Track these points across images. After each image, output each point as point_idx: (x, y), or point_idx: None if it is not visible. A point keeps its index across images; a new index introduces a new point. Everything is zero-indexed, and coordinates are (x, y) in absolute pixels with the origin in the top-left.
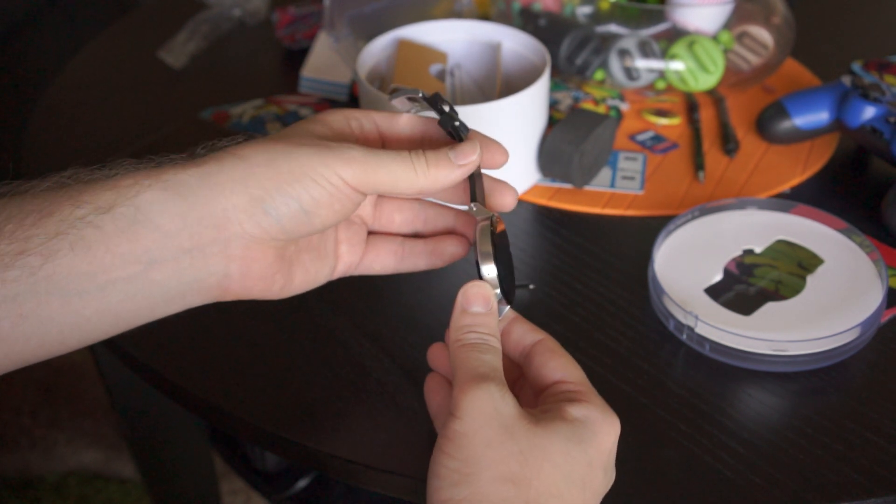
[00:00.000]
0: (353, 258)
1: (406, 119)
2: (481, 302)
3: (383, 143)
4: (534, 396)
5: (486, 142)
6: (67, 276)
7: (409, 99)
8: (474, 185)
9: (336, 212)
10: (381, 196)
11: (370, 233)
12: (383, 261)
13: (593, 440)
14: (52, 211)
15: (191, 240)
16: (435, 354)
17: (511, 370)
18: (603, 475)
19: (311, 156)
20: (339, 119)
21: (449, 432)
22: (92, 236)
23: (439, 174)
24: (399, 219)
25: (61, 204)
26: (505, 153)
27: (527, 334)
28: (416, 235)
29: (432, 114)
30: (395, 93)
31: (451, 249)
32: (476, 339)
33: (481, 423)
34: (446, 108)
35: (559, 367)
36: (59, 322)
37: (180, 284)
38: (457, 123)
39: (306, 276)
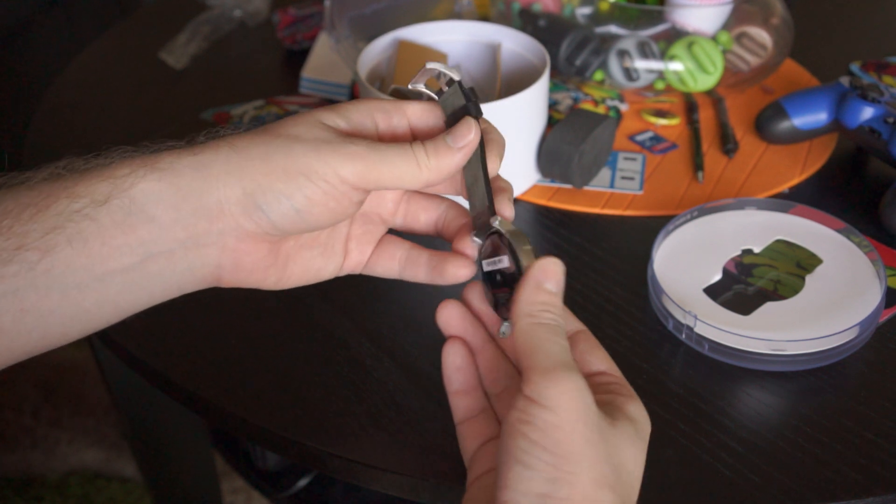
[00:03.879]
0: (361, 257)
1: (440, 111)
2: (555, 281)
3: (414, 137)
4: None
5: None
6: (66, 269)
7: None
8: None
9: (331, 210)
10: (410, 193)
11: (391, 231)
12: (385, 264)
13: (644, 440)
14: (49, 204)
15: (185, 231)
16: (453, 315)
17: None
18: (640, 471)
19: (307, 152)
20: (362, 111)
21: (540, 422)
22: (88, 229)
23: (441, 163)
24: (424, 218)
25: (57, 196)
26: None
27: (569, 321)
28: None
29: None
30: (421, 74)
31: (452, 270)
32: (551, 320)
33: (576, 417)
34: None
35: (603, 358)
36: (59, 314)
37: (175, 274)
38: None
39: (306, 273)
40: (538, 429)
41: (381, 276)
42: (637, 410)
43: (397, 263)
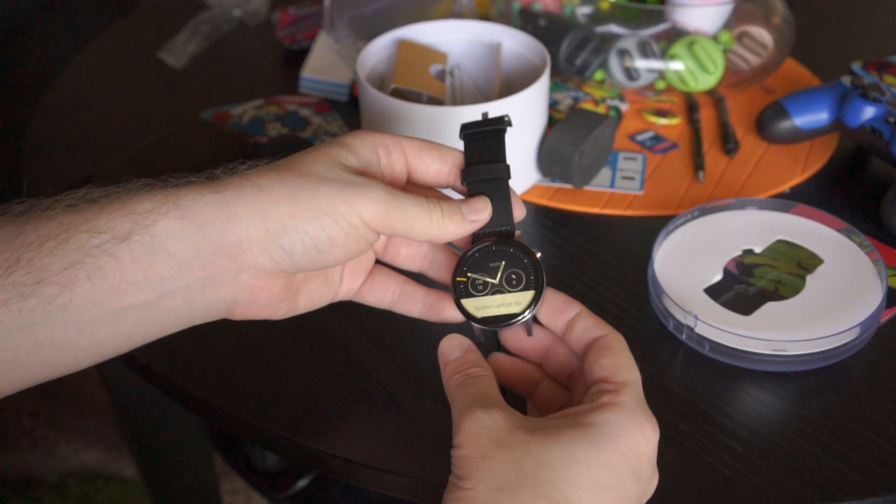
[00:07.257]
0: (352, 285)
1: (437, 151)
2: (456, 349)
3: (409, 173)
4: (583, 393)
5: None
6: (83, 304)
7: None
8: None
9: (350, 251)
10: None
11: (377, 262)
12: (377, 295)
13: (612, 444)
14: (69, 237)
15: (203, 269)
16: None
17: (529, 373)
18: (634, 481)
19: (333, 193)
20: (367, 145)
21: (454, 460)
22: (108, 265)
23: (451, 226)
24: (405, 252)
25: (77, 230)
26: (522, 209)
27: (590, 330)
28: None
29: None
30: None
31: (449, 313)
32: (459, 379)
33: (474, 443)
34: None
35: (608, 365)
36: (73, 347)
37: (190, 310)
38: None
39: (310, 301)
40: (455, 465)
41: (372, 306)
42: (599, 416)
43: (390, 295)
